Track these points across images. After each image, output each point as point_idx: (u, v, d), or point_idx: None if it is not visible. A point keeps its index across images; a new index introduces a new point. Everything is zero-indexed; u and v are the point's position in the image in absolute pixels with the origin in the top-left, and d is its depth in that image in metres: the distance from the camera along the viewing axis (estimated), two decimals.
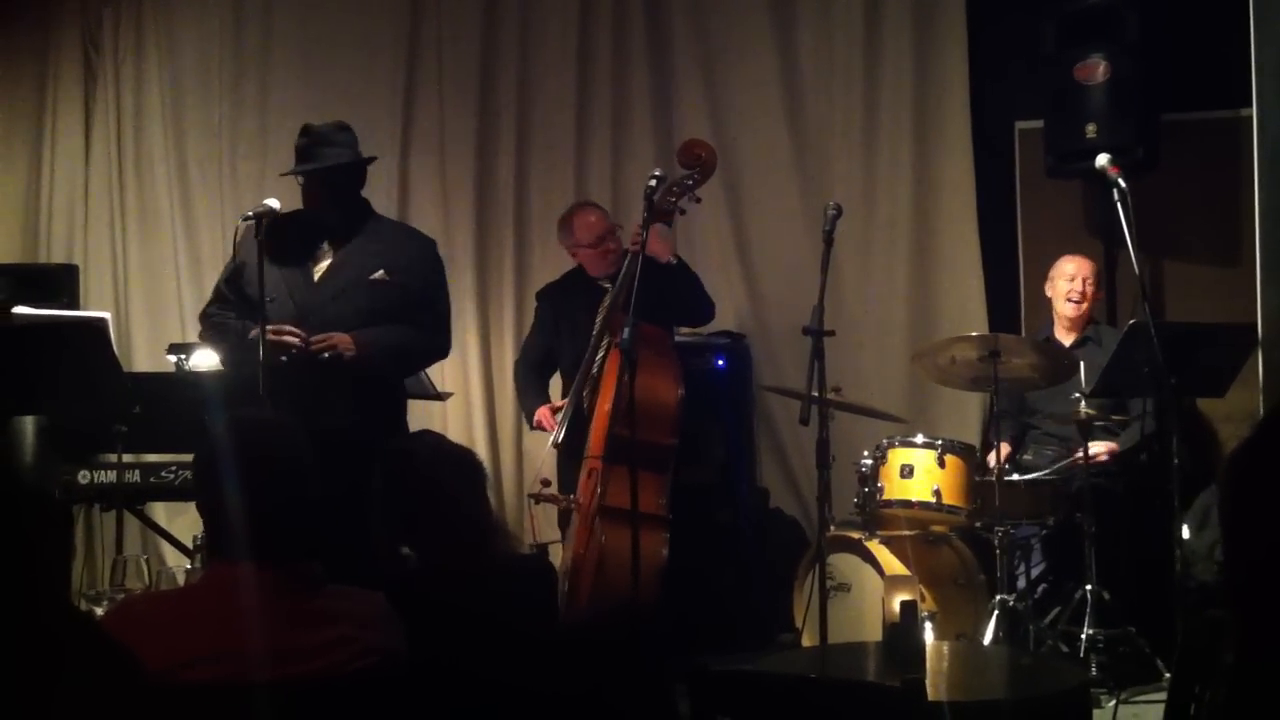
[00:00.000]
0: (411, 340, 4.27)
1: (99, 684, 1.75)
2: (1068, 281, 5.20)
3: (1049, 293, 5.29)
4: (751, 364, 5.87)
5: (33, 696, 1.66)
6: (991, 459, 4.86)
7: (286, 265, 4.15)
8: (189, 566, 3.18)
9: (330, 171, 4.17)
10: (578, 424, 4.81)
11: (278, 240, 4.08)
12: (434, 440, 3.02)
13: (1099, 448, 4.83)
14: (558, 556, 4.83)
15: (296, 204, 4.31)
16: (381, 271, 4.17)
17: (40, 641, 1.71)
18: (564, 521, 4.86)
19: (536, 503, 4.98)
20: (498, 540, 2.92)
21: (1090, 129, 5.24)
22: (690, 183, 4.77)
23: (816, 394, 4.25)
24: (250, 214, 4.02)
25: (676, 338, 5.45)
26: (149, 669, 2.01)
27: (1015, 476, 4.81)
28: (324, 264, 4.20)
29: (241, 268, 4.19)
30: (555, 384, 5.28)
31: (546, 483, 4.90)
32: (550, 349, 5.22)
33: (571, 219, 5.17)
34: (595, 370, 4.81)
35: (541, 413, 5.10)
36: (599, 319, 4.93)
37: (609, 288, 5.01)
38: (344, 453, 2.93)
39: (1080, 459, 4.69)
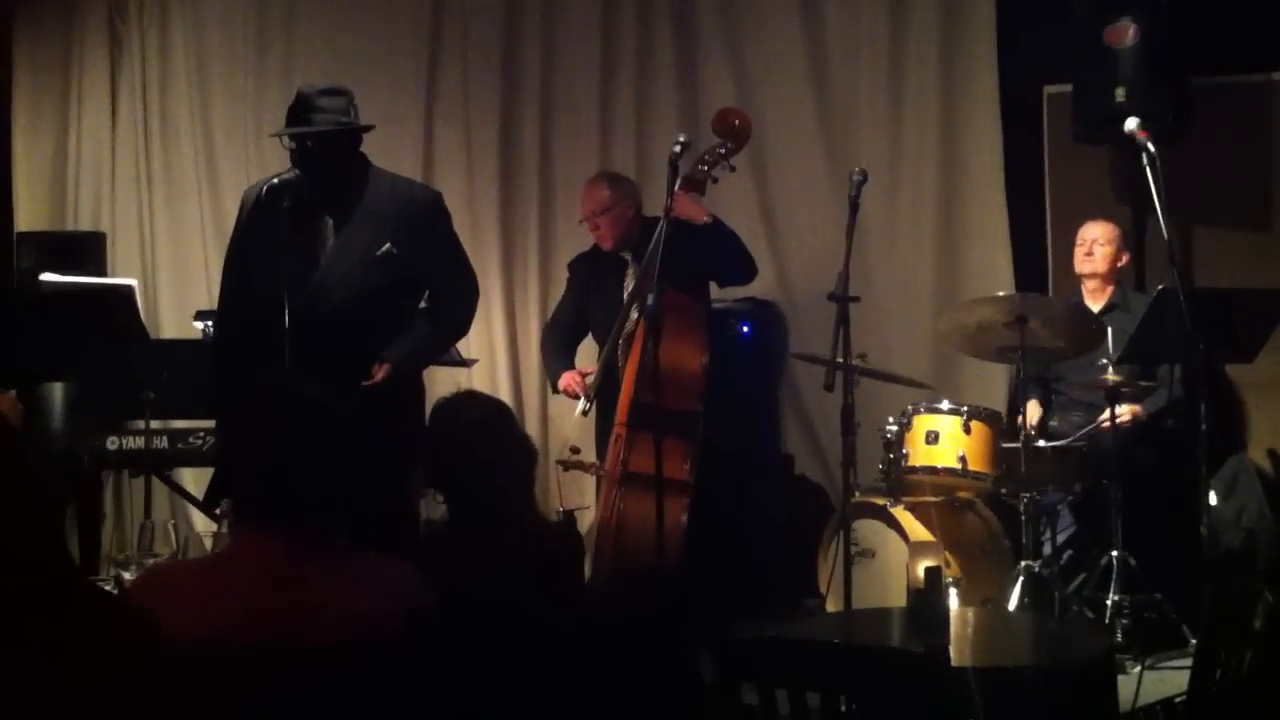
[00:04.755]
0: (427, 339, 4.05)
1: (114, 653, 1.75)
2: (1079, 245, 5.20)
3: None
4: (777, 330, 5.85)
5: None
6: (1025, 418, 4.83)
7: (290, 248, 3.72)
8: (216, 531, 3.20)
9: (327, 134, 3.78)
10: (610, 392, 4.80)
11: (274, 216, 3.74)
12: (479, 398, 3.16)
13: (1122, 409, 4.80)
14: (585, 522, 4.84)
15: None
16: (388, 245, 3.85)
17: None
18: (600, 488, 4.88)
19: (565, 470, 4.99)
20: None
21: (1120, 93, 5.18)
22: (723, 151, 4.77)
23: (841, 360, 4.25)
24: (276, 180, 3.77)
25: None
26: (180, 639, 2.03)
27: (1042, 443, 4.79)
28: (328, 243, 3.85)
29: (256, 261, 3.82)
30: (589, 351, 5.20)
31: (576, 450, 4.90)
32: (581, 312, 5.20)
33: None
34: (624, 339, 4.80)
35: (569, 378, 5.03)
36: (627, 287, 4.92)
37: (628, 258, 5.00)
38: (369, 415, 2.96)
39: (1105, 422, 4.67)
